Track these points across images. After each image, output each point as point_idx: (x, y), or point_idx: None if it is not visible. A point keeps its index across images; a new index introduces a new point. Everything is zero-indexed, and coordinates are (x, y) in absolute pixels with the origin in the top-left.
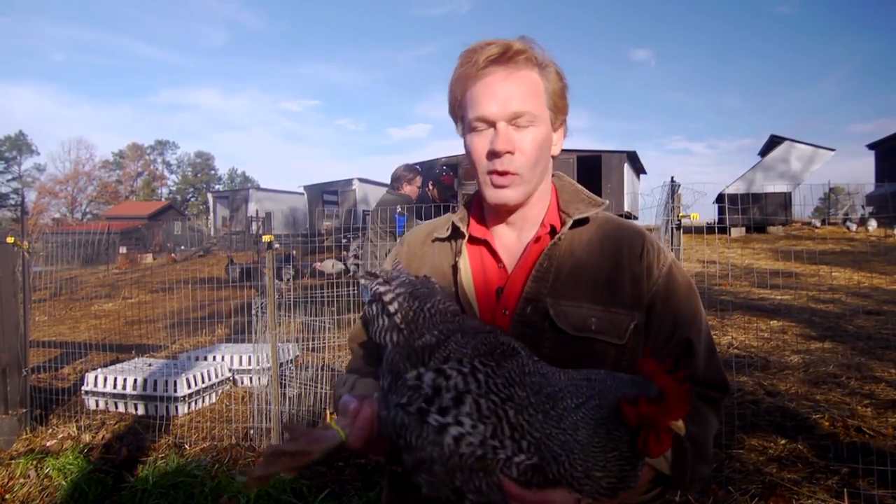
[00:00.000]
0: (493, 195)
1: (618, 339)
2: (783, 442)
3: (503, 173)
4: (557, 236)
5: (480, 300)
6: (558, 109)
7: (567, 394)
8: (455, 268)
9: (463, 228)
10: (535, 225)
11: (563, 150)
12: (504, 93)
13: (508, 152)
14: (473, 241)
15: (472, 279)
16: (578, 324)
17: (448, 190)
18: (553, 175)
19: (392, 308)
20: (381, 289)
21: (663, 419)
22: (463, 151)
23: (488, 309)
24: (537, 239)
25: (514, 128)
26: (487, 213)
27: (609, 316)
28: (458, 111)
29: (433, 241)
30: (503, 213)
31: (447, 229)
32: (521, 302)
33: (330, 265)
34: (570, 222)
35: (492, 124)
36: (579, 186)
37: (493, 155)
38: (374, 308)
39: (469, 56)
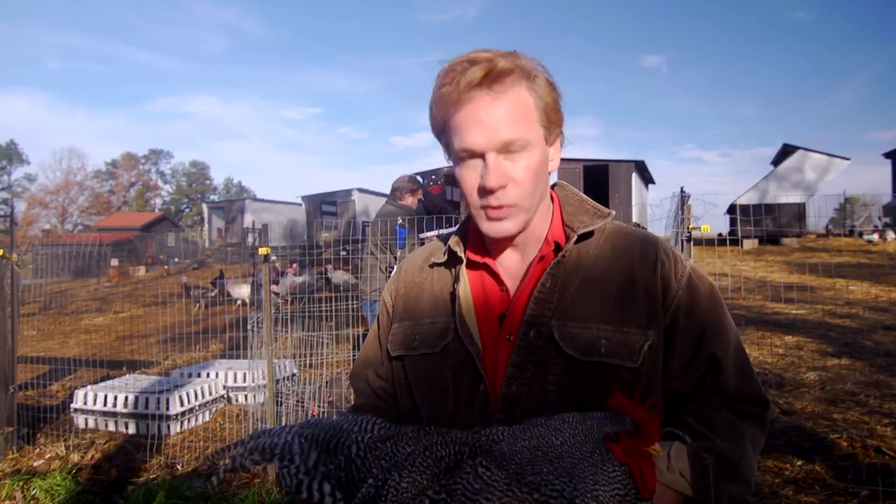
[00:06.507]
0: (489, 228)
1: (631, 361)
2: (799, 463)
3: (498, 207)
4: (561, 253)
5: (483, 328)
6: (552, 124)
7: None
8: (454, 295)
9: (460, 252)
10: (539, 243)
11: (570, 160)
12: (491, 120)
13: (502, 187)
14: (473, 265)
15: (472, 306)
16: (587, 347)
17: (436, 199)
18: (555, 185)
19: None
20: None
21: (644, 448)
22: None
23: (491, 337)
24: (541, 258)
25: (505, 156)
26: (487, 236)
27: (620, 336)
28: (443, 136)
29: (431, 266)
30: (503, 241)
31: (444, 253)
32: (524, 326)
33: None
34: (574, 237)
35: (480, 156)
36: (583, 196)
37: (485, 191)
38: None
39: (449, 76)
